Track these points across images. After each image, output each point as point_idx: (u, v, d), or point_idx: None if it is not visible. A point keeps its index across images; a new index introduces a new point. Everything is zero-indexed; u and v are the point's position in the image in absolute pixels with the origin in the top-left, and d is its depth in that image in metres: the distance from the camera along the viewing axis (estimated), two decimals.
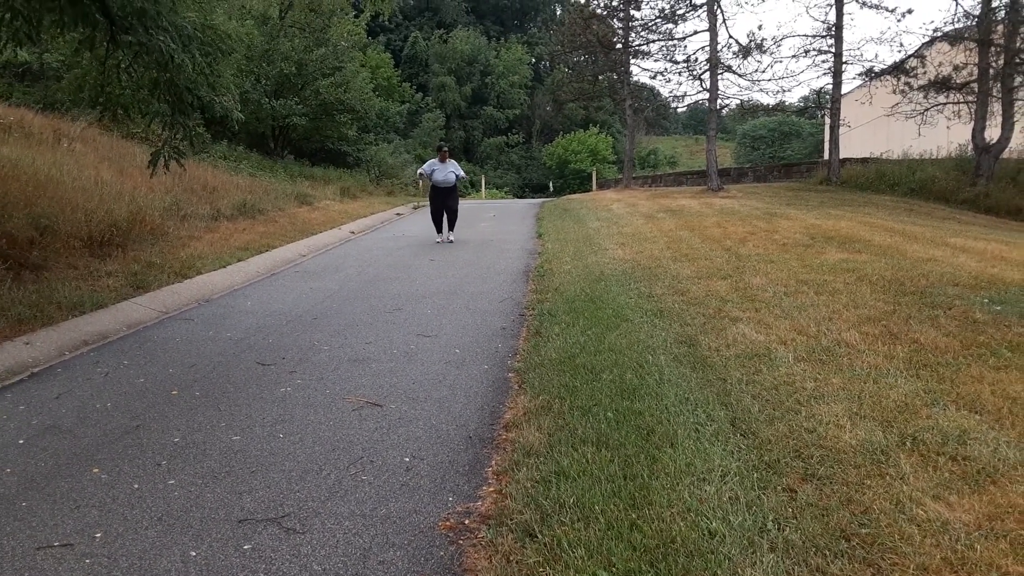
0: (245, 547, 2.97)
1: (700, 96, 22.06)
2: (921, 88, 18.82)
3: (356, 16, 26.60)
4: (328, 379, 5.14)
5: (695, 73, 21.61)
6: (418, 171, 13.20)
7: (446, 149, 13.10)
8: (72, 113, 14.84)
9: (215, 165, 16.71)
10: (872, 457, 3.33)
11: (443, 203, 12.73)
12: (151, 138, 13.89)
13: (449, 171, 12.65)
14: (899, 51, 31.19)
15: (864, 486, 3.08)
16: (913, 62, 19.06)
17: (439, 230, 12.95)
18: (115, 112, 7.73)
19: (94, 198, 9.48)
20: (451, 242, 12.71)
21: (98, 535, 3.08)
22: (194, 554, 2.92)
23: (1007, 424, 3.62)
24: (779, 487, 3.13)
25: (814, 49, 20.50)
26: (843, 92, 21.09)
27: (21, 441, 4.07)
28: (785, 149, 40.56)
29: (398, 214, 18.82)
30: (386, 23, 47.01)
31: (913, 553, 2.60)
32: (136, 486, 3.51)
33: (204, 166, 15.49)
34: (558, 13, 57.96)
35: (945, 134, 20.37)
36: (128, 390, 4.95)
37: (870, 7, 19.50)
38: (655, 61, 43.31)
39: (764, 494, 3.07)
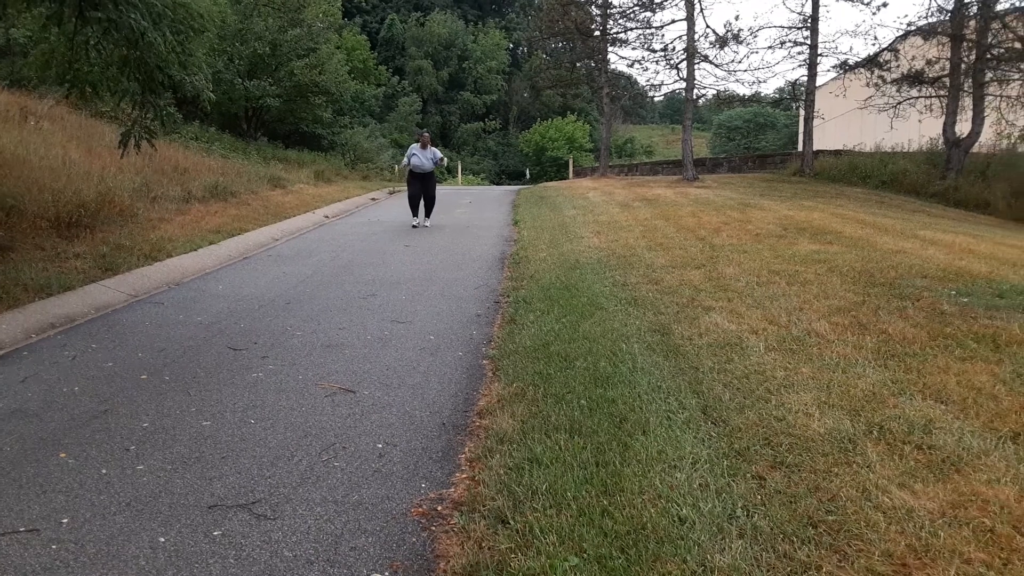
0: (215, 533, 2.94)
1: (677, 85, 22.11)
2: (894, 82, 19.01)
3: None
4: (300, 364, 5.11)
5: (672, 62, 21.62)
6: (403, 161, 13.23)
7: (427, 135, 13.22)
8: (40, 91, 14.51)
9: (186, 146, 16.44)
10: (840, 446, 3.38)
11: (421, 188, 12.81)
12: (120, 117, 13.62)
13: (428, 157, 12.72)
14: (873, 44, 31.58)
15: (831, 474, 3.13)
16: (887, 56, 19.23)
17: (415, 214, 13.00)
18: (83, 90, 7.57)
19: (62, 178, 9.29)
20: (427, 227, 12.77)
21: (65, 520, 3.04)
22: (163, 540, 2.89)
23: (972, 414, 3.69)
24: (748, 475, 3.17)
25: (790, 40, 20.61)
26: (818, 84, 21.24)
27: None
28: (760, 140, 40.91)
29: (373, 199, 18.68)
30: (363, 4, 46.50)
31: (878, 540, 2.64)
32: (104, 471, 3.47)
33: (175, 147, 15.24)
34: None
35: (917, 128, 20.62)
36: (96, 374, 4.87)
37: (846, 0, 19.63)
38: (633, 49, 43.51)
39: (734, 481, 3.11)
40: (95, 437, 3.85)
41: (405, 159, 12.96)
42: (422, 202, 12.88)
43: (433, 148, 12.97)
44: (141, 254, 8.43)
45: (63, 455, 3.64)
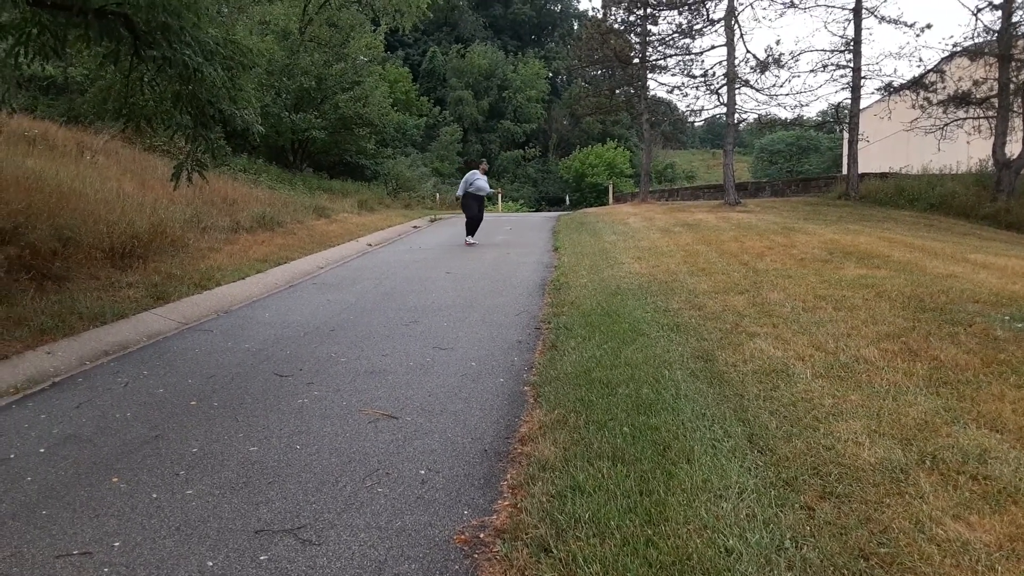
0: (261, 558, 2.98)
1: (717, 110, 22.10)
2: (940, 103, 18.72)
3: (374, 29, 26.82)
4: (345, 391, 5.17)
5: (712, 87, 21.63)
6: (464, 181, 14.58)
7: (486, 165, 15.07)
8: (95, 126, 15.09)
9: (235, 178, 16.90)
10: (891, 475, 3.30)
11: (479, 210, 14.45)
12: (173, 151, 14.11)
13: (485, 182, 14.47)
14: (918, 66, 31.01)
15: (883, 504, 3.05)
16: (932, 77, 18.97)
17: (471, 233, 14.46)
18: (138, 124, 7.85)
19: (116, 210, 9.61)
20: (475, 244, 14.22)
21: (117, 544, 3.10)
22: (211, 564, 2.94)
23: None
24: (797, 505, 3.11)
25: (832, 64, 20.49)
26: (862, 107, 21.00)
27: (42, 450, 4.12)
28: (803, 163, 40.38)
29: (415, 227, 18.91)
30: (405, 38, 47.39)
31: (932, 573, 2.57)
32: (155, 495, 3.54)
33: (224, 178, 15.67)
34: (575, 28, 58.27)
35: (965, 149, 20.23)
36: (147, 400, 4.99)
37: (889, 22, 19.48)
38: (672, 75, 43.63)
39: (781, 512, 3.05)
40: (146, 462, 3.95)
41: (465, 184, 14.35)
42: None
43: (486, 177, 14.67)
44: (191, 283, 8.65)
45: (115, 479, 3.73)
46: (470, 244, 14.13)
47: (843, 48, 20.28)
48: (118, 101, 7.83)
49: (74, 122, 15.43)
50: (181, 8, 6.36)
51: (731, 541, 2.81)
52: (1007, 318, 5.95)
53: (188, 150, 7.46)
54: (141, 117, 7.76)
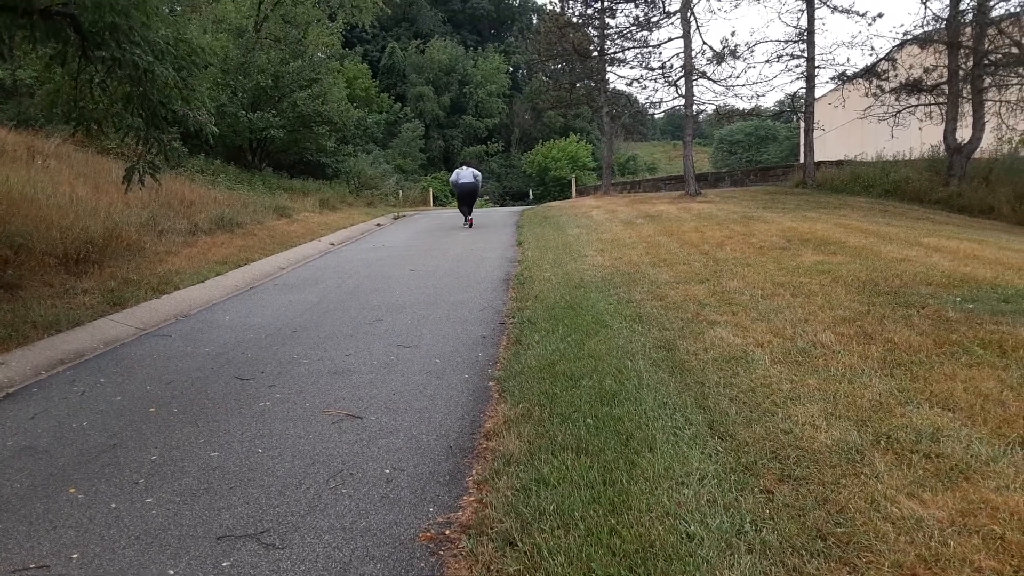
0: (224, 564, 2.95)
1: (676, 102, 22.22)
2: (893, 91, 19.09)
3: (330, 22, 26.45)
4: (307, 392, 5.12)
5: (670, 79, 21.77)
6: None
7: (467, 165, 18.26)
8: (46, 130, 14.73)
9: (192, 179, 16.59)
10: (847, 456, 3.37)
11: (466, 203, 17.42)
12: (126, 153, 13.81)
13: (466, 173, 17.44)
14: (870, 55, 31.65)
15: (840, 485, 3.12)
16: (884, 65, 19.32)
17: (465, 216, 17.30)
18: (88, 127, 7.69)
19: (69, 215, 9.39)
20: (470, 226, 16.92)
21: (75, 556, 3.05)
22: (172, 572, 2.90)
23: (979, 421, 3.67)
24: (756, 489, 3.16)
25: (787, 54, 20.73)
26: (817, 96, 21.33)
27: None
28: (762, 153, 40.97)
29: (378, 224, 18.78)
30: (363, 33, 47.01)
31: (888, 551, 2.63)
32: (113, 505, 3.48)
33: (181, 180, 15.38)
34: (534, 22, 58.27)
35: (918, 135, 20.66)
36: (105, 408, 4.90)
37: (841, 12, 19.76)
38: (631, 68, 43.95)
39: (741, 496, 3.10)
40: (104, 471, 3.88)
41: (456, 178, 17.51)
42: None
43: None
44: (149, 287, 8.49)
45: (73, 490, 3.66)
46: (468, 225, 16.94)
47: (797, 38, 20.55)
48: (67, 104, 7.66)
49: (24, 126, 15.05)
50: (129, 7, 6.24)
51: (692, 527, 2.86)
52: (958, 299, 6.10)
53: (140, 152, 7.33)
54: (91, 120, 7.60)
